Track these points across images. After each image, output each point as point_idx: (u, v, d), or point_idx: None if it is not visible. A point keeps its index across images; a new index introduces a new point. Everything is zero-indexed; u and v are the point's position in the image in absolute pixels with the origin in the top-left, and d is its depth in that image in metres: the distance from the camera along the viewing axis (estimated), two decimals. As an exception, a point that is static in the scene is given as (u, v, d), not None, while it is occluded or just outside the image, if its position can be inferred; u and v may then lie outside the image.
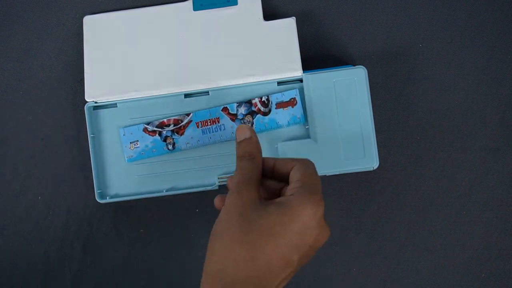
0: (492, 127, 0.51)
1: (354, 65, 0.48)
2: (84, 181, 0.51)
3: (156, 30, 0.50)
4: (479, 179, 0.50)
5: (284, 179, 0.37)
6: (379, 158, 0.47)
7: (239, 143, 0.38)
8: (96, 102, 0.49)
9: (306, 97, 0.48)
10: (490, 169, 0.50)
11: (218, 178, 0.48)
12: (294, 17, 0.49)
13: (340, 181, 0.51)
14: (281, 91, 0.49)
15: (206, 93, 0.49)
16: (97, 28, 0.50)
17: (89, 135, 0.49)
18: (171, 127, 0.49)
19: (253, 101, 0.49)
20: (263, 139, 0.49)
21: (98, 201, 0.49)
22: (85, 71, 0.50)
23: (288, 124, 0.49)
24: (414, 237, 0.50)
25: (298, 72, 0.48)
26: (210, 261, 0.35)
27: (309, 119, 0.48)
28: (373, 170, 0.47)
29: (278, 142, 0.48)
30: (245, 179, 0.36)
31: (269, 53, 0.49)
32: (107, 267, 0.51)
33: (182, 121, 0.49)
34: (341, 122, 0.47)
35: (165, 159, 0.50)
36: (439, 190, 0.50)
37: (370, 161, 0.47)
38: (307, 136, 0.48)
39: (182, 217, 0.51)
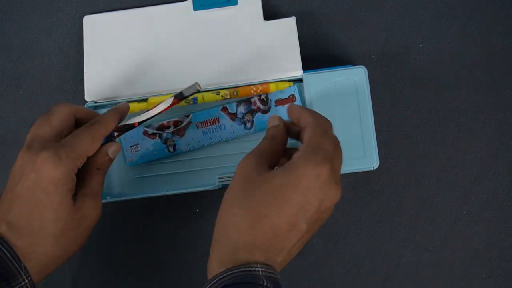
0: (492, 127, 0.51)
1: (354, 65, 0.48)
2: (84, 181, 0.51)
3: (156, 30, 0.50)
4: (479, 179, 0.50)
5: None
6: (379, 158, 0.47)
7: (268, 129, 0.40)
8: (96, 102, 0.49)
9: (306, 97, 0.48)
10: (490, 169, 0.50)
11: (219, 178, 0.48)
12: (294, 17, 0.49)
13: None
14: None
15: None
16: (97, 28, 0.50)
17: (89, 135, 0.49)
18: (171, 129, 0.49)
19: (252, 100, 0.49)
20: (259, 140, 0.49)
21: (98, 201, 0.49)
22: (85, 71, 0.50)
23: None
24: (414, 237, 0.50)
25: (298, 72, 0.48)
26: (216, 227, 0.36)
27: (309, 119, 0.48)
28: (373, 170, 0.47)
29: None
30: (259, 151, 0.38)
31: (269, 53, 0.49)
32: (107, 267, 0.51)
33: (182, 123, 0.49)
34: (341, 122, 0.47)
35: (165, 159, 0.49)
36: (439, 190, 0.50)
37: (370, 161, 0.47)
38: (307, 136, 0.48)
39: (182, 217, 0.51)
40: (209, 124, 0.49)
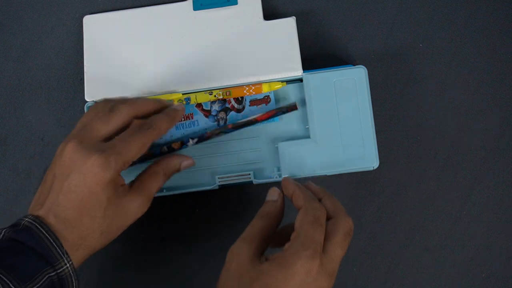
0: (492, 127, 0.51)
1: (354, 65, 0.48)
2: (84, 181, 0.51)
3: (156, 30, 0.50)
4: (479, 179, 0.50)
5: None
6: (379, 158, 0.47)
7: (265, 203, 0.41)
8: (96, 102, 0.49)
9: (306, 97, 0.48)
10: (490, 169, 0.50)
11: (219, 178, 0.48)
12: (294, 17, 0.49)
13: (340, 181, 0.50)
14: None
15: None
16: (97, 28, 0.50)
17: (89, 135, 0.49)
18: None
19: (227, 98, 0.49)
20: (259, 140, 0.49)
21: (98, 201, 0.49)
22: (85, 71, 0.50)
23: (262, 121, 0.49)
24: (414, 237, 0.50)
25: (298, 72, 0.48)
26: None
27: (309, 119, 0.48)
28: (373, 170, 0.47)
29: (278, 142, 0.48)
30: (252, 236, 0.38)
31: (269, 53, 0.49)
32: (107, 267, 0.51)
33: None
34: (341, 122, 0.47)
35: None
36: (439, 190, 0.50)
37: (370, 161, 0.47)
38: (307, 136, 0.48)
39: (182, 217, 0.51)
40: (182, 119, 0.49)
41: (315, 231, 0.36)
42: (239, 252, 0.37)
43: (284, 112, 0.48)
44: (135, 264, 0.51)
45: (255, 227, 0.39)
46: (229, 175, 0.48)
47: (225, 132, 0.48)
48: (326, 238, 0.37)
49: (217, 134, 0.48)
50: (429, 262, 0.50)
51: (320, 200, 0.40)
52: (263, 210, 0.40)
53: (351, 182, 0.50)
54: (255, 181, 0.48)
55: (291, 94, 0.49)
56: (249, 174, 0.48)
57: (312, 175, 0.47)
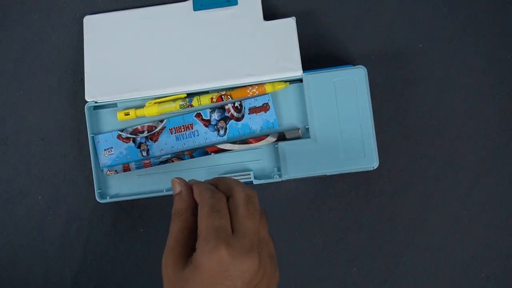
0: (492, 127, 0.51)
1: (354, 65, 0.48)
2: (84, 181, 0.51)
3: (156, 30, 0.50)
4: (479, 179, 0.50)
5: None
6: (379, 158, 0.47)
7: (173, 199, 0.38)
8: (96, 102, 0.49)
9: (306, 97, 0.48)
10: (490, 169, 0.50)
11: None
12: (294, 17, 0.49)
13: (340, 181, 0.51)
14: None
15: (206, 93, 0.49)
16: (97, 28, 0.50)
17: (89, 135, 0.49)
18: (145, 134, 0.49)
19: (226, 107, 0.49)
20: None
21: (98, 201, 0.49)
22: (85, 71, 0.50)
23: (261, 129, 0.49)
24: (414, 237, 0.50)
25: (298, 72, 0.48)
26: None
27: (309, 119, 0.48)
28: (373, 170, 0.47)
29: (278, 142, 0.48)
30: (170, 244, 0.36)
31: (269, 53, 0.49)
32: (107, 267, 0.51)
33: (155, 128, 0.49)
34: (341, 122, 0.47)
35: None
36: (439, 190, 0.50)
37: (370, 161, 0.47)
38: (307, 136, 0.48)
39: (182, 217, 0.51)
40: (182, 130, 0.49)
41: (213, 219, 0.34)
42: (164, 267, 0.36)
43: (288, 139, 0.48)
44: (135, 264, 0.51)
45: (171, 233, 0.37)
46: (229, 175, 0.48)
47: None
48: (231, 218, 0.35)
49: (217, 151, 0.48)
50: (429, 262, 0.50)
51: (217, 187, 0.38)
52: (173, 210, 0.38)
53: (351, 182, 0.51)
54: (255, 181, 0.48)
55: (291, 95, 0.49)
56: (249, 174, 0.48)
57: (312, 175, 0.47)
